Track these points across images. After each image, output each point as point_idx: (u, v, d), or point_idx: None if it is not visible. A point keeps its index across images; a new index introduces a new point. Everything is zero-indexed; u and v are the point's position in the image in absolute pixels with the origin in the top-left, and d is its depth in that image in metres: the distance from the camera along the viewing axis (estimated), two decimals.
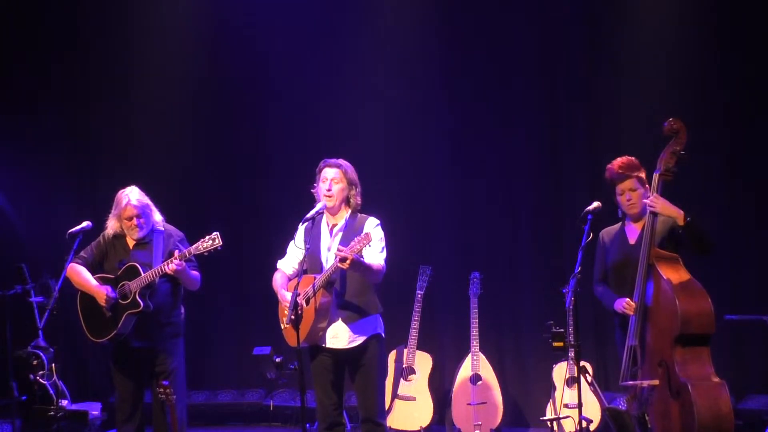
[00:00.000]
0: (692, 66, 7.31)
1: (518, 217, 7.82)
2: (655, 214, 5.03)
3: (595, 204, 5.22)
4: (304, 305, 5.16)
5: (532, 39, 7.77)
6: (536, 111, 7.80)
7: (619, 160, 5.26)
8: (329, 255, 5.26)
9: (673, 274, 4.93)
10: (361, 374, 5.28)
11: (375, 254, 5.18)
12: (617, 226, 5.38)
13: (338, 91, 8.10)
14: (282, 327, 5.24)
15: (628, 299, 5.08)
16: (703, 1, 7.39)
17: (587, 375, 5.22)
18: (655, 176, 5.06)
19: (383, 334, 5.38)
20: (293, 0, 8.22)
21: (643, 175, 5.19)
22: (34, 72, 8.45)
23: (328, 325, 5.23)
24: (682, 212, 5.01)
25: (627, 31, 7.52)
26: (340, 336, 5.23)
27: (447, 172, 7.96)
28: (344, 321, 5.23)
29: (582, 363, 5.23)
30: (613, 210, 5.37)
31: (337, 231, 5.31)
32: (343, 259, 4.90)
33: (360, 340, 5.25)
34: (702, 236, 5.04)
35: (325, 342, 5.26)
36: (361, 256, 5.04)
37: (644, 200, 5.12)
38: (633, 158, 5.26)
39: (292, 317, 4.97)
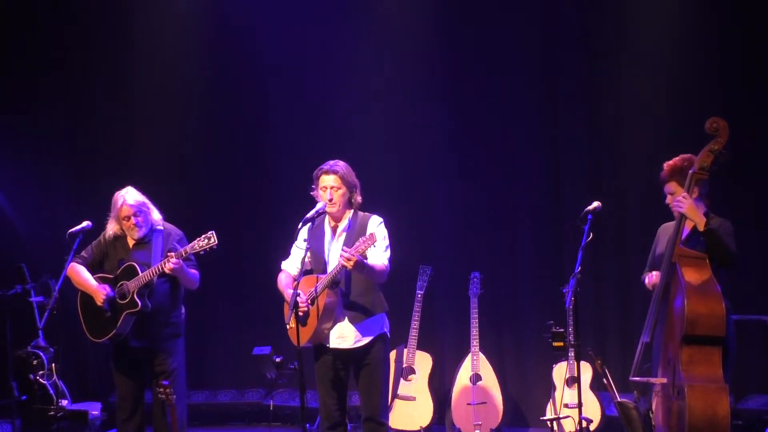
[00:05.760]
0: (692, 66, 7.29)
1: (518, 217, 7.80)
2: (682, 214, 4.93)
3: (595, 204, 5.20)
4: (309, 305, 5.16)
5: (532, 39, 7.76)
6: (536, 111, 7.79)
7: (669, 162, 5.12)
8: (333, 255, 5.26)
9: (693, 275, 4.83)
10: (365, 373, 5.28)
11: (379, 254, 5.17)
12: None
13: (339, 91, 8.09)
14: (288, 327, 5.17)
15: (657, 273, 5.01)
16: (703, 1, 7.38)
17: (599, 365, 5.21)
18: (690, 174, 4.95)
19: (388, 334, 5.39)
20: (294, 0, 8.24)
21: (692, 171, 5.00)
22: (34, 71, 8.45)
23: (334, 324, 5.22)
24: (705, 218, 4.92)
25: (627, 31, 7.51)
26: (346, 336, 5.24)
27: (447, 172, 7.95)
28: (351, 321, 5.23)
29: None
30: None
31: (341, 231, 5.31)
32: (347, 260, 4.90)
33: (366, 340, 5.26)
34: (720, 246, 4.90)
35: (329, 342, 5.26)
36: (365, 257, 5.03)
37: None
38: (684, 158, 5.08)
39: (292, 317, 4.97)
